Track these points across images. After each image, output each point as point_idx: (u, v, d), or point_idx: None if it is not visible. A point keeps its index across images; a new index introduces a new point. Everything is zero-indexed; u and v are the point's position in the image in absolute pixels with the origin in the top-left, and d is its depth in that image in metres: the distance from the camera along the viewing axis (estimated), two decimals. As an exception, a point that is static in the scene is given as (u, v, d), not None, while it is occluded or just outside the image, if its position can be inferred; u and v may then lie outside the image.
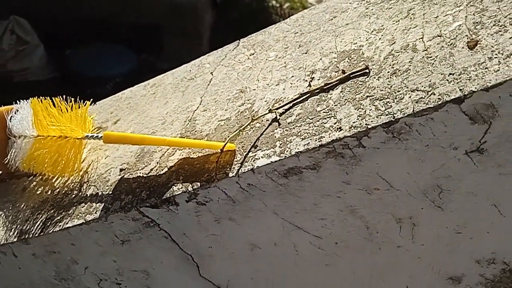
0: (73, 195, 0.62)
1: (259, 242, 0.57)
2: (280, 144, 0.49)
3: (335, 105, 0.49)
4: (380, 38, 0.52)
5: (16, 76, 2.21)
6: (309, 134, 0.48)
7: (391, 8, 0.55)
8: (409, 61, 0.47)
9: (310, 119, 0.50)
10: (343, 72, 0.51)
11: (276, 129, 0.52)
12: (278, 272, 0.60)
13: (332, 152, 0.47)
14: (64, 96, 0.65)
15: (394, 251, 0.54)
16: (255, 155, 0.50)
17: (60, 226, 0.59)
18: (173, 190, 0.54)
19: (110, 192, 0.59)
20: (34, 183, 0.68)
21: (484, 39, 0.43)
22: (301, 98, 0.53)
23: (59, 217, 0.60)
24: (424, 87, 0.44)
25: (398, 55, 0.48)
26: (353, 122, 0.46)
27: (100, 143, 0.67)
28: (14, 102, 0.68)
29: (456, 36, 0.45)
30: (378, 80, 0.48)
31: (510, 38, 0.42)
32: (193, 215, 0.55)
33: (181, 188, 0.53)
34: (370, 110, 0.46)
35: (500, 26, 0.43)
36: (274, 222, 0.54)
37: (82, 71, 2.35)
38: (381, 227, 0.52)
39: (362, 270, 0.57)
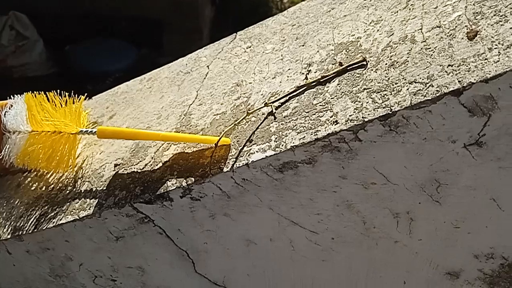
0: (67, 191, 0.61)
1: (255, 238, 0.56)
2: (276, 138, 0.49)
3: (331, 98, 0.48)
4: (378, 30, 0.51)
5: (16, 71, 2.21)
6: (305, 128, 0.47)
7: (389, -1, 0.54)
8: (407, 53, 0.46)
9: (306, 112, 0.49)
10: (340, 64, 0.50)
11: (272, 123, 0.51)
12: (274, 268, 0.59)
13: (328, 146, 0.46)
14: (63, 91, 0.64)
15: (392, 246, 0.53)
16: (250, 149, 0.50)
17: (53, 222, 0.59)
18: (167, 186, 0.53)
19: (104, 188, 0.58)
20: (29, 179, 0.67)
21: (484, 29, 0.42)
22: (297, 91, 0.52)
23: (53, 214, 0.60)
24: (422, 79, 0.42)
25: (396, 46, 0.47)
26: (350, 115, 0.45)
27: (95, 138, 0.66)
28: (9, 97, 0.67)
29: (456, 26, 0.44)
30: (376, 72, 0.47)
31: (510, 28, 0.40)
32: (188, 211, 0.54)
33: (175, 183, 0.52)
34: (367, 103, 0.45)
35: (501, 16, 0.42)
36: (270, 218, 0.53)
37: (82, 67, 2.34)
38: (378, 222, 0.51)
39: (359, 265, 0.57)
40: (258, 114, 0.53)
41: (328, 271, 0.58)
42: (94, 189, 0.59)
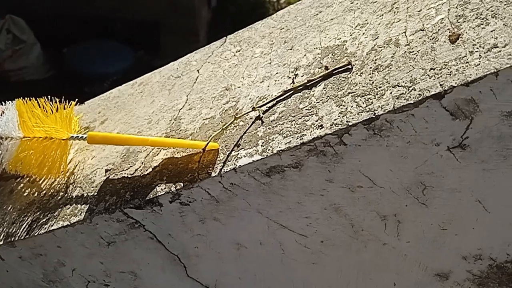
0: (59, 197, 0.62)
1: (245, 242, 0.56)
2: (263, 143, 0.49)
3: (317, 102, 0.48)
4: (363, 33, 0.51)
5: (13, 75, 2.21)
6: (291, 132, 0.47)
7: (375, 2, 0.54)
8: (391, 56, 0.46)
9: (293, 116, 0.49)
10: (326, 68, 0.51)
11: (259, 127, 0.51)
12: (265, 271, 0.59)
13: (314, 150, 0.46)
14: (61, 94, 0.64)
15: (380, 248, 0.54)
16: (238, 154, 0.50)
17: (45, 228, 0.59)
18: (157, 191, 0.53)
19: (95, 194, 0.58)
20: (22, 184, 0.68)
21: (466, 32, 0.42)
22: (284, 96, 0.52)
23: (44, 219, 0.60)
24: (405, 83, 0.43)
25: (381, 50, 0.48)
26: (334, 119, 0.45)
27: (86, 143, 0.66)
28: (0, 103, 0.67)
29: (439, 30, 0.45)
30: (361, 76, 0.47)
31: (491, 31, 0.41)
32: (177, 216, 0.54)
33: (165, 188, 0.53)
34: (351, 107, 0.45)
35: (482, 19, 0.42)
36: (259, 221, 0.53)
37: (79, 69, 2.34)
38: (366, 224, 0.51)
39: (349, 268, 0.57)
40: (246, 119, 0.53)
41: (319, 273, 0.58)
42: (85, 194, 0.59)
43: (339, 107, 0.46)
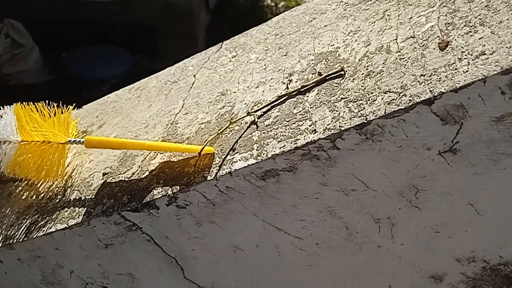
0: (57, 200, 0.63)
1: (241, 244, 0.57)
2: (257, 147, 0.50)
3: (311, 108, 0.49)
4: (356, 40, 0.52)
5: (12, 79, 2.22)
6: (285, 136, 0.48)
7: (368, 9, 0.55)
8: (383, 63, 0.47)
9: (287, 121, 0.50)
10: (320, 74, 0.52)
11: (254, 131, 0.52)
12: (261, 273, 0.60)
13: (308, 154, 0.47)
14: (59, 99, 0.65)
15: (375, 251, 0.54)
16: (233, 158, 0.51)
17: (43, 231, 0.60)
18: (153, 194, 0.54)
19: (93, 197, 0.59)
20: (20, 188, 0.68)
21: (455, 39, 0.43)
22: (278, 101, 0.53)
23: (43, 222, 0.61)
24: (396, 89, 0.44)
25: (373, 56, 0.49)
26: (327, 124, 0.46)
27: (84, 147, 0.67)
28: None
29: (429, 37, 0.46)
30: (353, 82, 0.48)
31: (479, 38, 0.42)
32: (174, 218, 0.55)
33: (161, 192, 0.53)
34: (344, 112, 0.46)
35: (471, 26, 0.43)
36: (255, 224, 0.54)
37: (78, 73, 2.35)
38: (360, 227, 0.52)
39: (344, 270, 0.58)
40: (241, 123, 0.54)
41: (315, 276, 0.59)
42: (83, 197, 0.60)
43: (332, 112, 0.47)
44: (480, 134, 0.42)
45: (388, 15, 0.51)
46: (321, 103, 0.49)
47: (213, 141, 0.54)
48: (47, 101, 0.65)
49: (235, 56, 0.66)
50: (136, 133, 0.65)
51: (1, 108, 0.67)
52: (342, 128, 0.44)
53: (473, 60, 0.41)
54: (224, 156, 0.52)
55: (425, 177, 0.47)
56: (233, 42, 0.69)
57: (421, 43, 0.45)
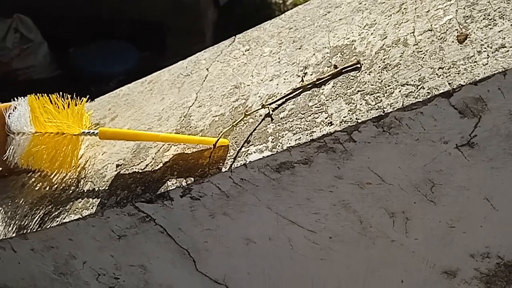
0: (71, 191, 0.63)
1: (254, 237, 0.57)
2: (272, 139, 0.50)
3: (326, 100, 0.49)
4: (372, 33, 0.52)
5: (21, 74, 2.23)
6: (300, 129, 0.48)
7: (383, 2, 0.55)
8: (400, 56, 0.47)
9: (302, 114, 0.50)
10: (335, 67, 0.52)
11: (269, 124, 0.52)
12: (273, 267, 0.60)
13: (323, 146, 0.47)
14: (67, 93, 0.65)
15: (389, 245, 0.54)
16: (248, 150, 0.51)
17: (57, 221, 0.60)
18: (168, 185, 0.54)
19: (107, 188, 0.60)
20: (33, 179, 0.69)
21: (474, 32, 0.43)
22: (293, 94, 0.53)
23: (56, 213, 0.61)
24: (414, 81, 0.44)
25: (389, 49, 0.48)
26: (344, 117, 0.46)
27: (97, 139, 0.68)
28: (13, 99, 0.68)
29: (447, 30, 0.45)
30: (369, 74, 0.48)
31: (499, 31, 0.41)
32: (188, 210, 0.55)
33: (175, 183, 0.54)
34: (360, 104, 0.46)
35: (490, 19, 0.43)
36: (268, 217, 0.54)
37: (85, 69, 2.36)
38: (374, 221, 0.52)
39: (357, 264, 0.58)
40: (255, 116, 0.54)
41: (327, 269, 0.59)
42: (96, 188, 0.61)
43: (348, 104, 0.47)
44: (498, 127, 0.42)
45: (404, 8, 0.51)
46: (337, 95, 0.48)
47: (227, 133, 0.54)
48: (60, 94, 0.66)
49: (248, 50, 0.66)
50: (149, 125, 0.65)
51: (15, 99, 0.68)
52: (359, 121, 0.44)
53: (492, 53, 0.40)
54: (239, 148, 0.52)
55: (441, 171, 0.46)
56: (246, 36, 0.69)
57: (439, 36, 0.45)
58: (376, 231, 0.53)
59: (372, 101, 0.45)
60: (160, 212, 0.56)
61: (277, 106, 0.53)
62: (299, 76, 0.55)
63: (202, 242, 0.59)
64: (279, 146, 0.49)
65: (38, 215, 0.63)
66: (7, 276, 0.72)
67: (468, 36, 0.43)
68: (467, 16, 0.45)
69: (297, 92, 0.53)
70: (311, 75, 0.54)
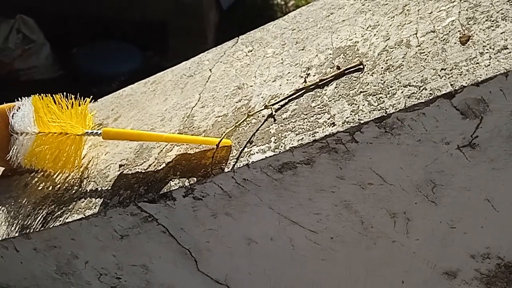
0: (74, 191, 0.63)
1: (256, 237, 0.57)
2: (275, 140, 0.50)
3: (329, 101, 0.49)
4: (375, 34, 0.52)
5: (23, 74, 2.23)
6: (303, 129, 0.49)
7: (386, 4, 0.55)
8: (403, 57, 0.47)
9: (305, 114, 0.50)
10: (338, 68, 0.52)
11: (272, 124, 0.52)
12: (275, 267, 0.60)
13: (326, 147, 0.47)
14: (69, 94, 0.66)
15: (389, 246, 0.54)
16: (251, 150, 0.51)
17: (60, 221, 0.60)
18: (170, 185, 0.54)
19: (109, 188, 0.60)
20: (36, 179, 0.69)
21: (476, 34, 0.43)
22: (296, 94, 0.53)
23: (59, 212, 0.61)
24: (416, 83, 0.44)
25: (392, 51, 0.49)
26: (346, 118, 0.46)
27: (100, 140, 0.68)
28: (16, 100, 0.69)
29: (449, 31, 0.46)
30: (372, 75, 0.48)
31: (501, 33, 0.42)
32: (190, 210, 0.55)
33: (178, 183, 0.54)
34: (363, 105, 0.46)
35: (492, 21, 0.43)
36: (270, 217, 0.54)
37: (88, 69, 2.36)
38: (375, 222, 0.52)
39: (358, 264, 0.58)
40: (258, 116, 0.54)
41: (328, 270, 0.59)
42: (99, 188, 0.61)
43: (351, 105, 0.47)
44: (500, 128, 0.42)
45: (407, 10, 0.51)
46: (340, 96, 0.49)
47: (230, 133, 0.55)
48: (63, 94, 0.66)
49: (251, 51, 0.66)
50: (152, 126, 0.65)
51: (19, 100, 0.68)
52: (362, 121, 0.45)
53: (495, 54, 0.41)
54: (241, 148, 0.52)
55: (442, 171, 0.47)
56: (249, 37, 0.69)
57: (442, 37, 0.45)
58: (377, 231, 0.54)
59: (375, 102, 0.45)
60: (163, 212, 0.56)
61: (279, 106, 0.53)
62: (302, 77, 0.55)
63: (204, 242, 0.59)
64: (281, 146, 0.49)
65: (41, 214, 0.63)
66: (9, 276, 0.73)
67: (471, 38, 0.43)
68: (469, 18, 0.45)
69: (300, 93, 0.53)
70: (314, 76, 0.54)
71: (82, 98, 0.66)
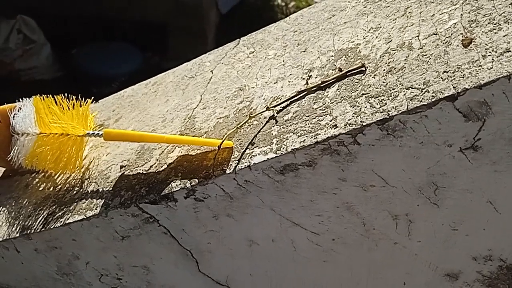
0: (75, 192, 0.63)
1: (257, 238, 0.57)
2: (277, 141, 0.50)
3: (331, 103, 0.49)
4: (377, 37, 0.52)
5: (23, 75, 2.24)
6: (305, 131, 0.49)
7: (388, 6, 0.55)
8: (405, 59, 0.47)
9: (307, 116, 0.50)
10: (340, 70, 0.52)
11: (273, 126, 0.52)
12: (276, 268, 0.60)
13: (328, 149, 0.47)
14: (70, 94, 0.66)
15: (391, 247, 0.54)
16: (252, 152, 0.51)
17: (61, 221, 0.60)
18: (172, 187, 0.54)
19: (111, 189, 0.60)
20: (37, 179, 0.69)
21: (479, 37, 0.43)
22: (298, 96, 0.53)
23: (60, 213, 0.61)
24: (419, 85, 0.44)
25: (394, 53, 0.49)
26: (348, 120, 0.46)
27: (101, 141, 0.68)
28: (17, 100, 0.69)
29: (451, 34, 0.46)
30: (374, 78, 0.48)
31: (504, 36, 0.42)
32: (192, 211, 0.55)
33: (180, 184, 0.54)
34: (365, 107, 0.46)
35: (495, 24, 0.43)
36: (272, 219, 0.54)
37: (88, 70, 2.36)
38: (377, 223, 0.52)
39: (359, 266, 0.58)
40: (260, 118, 0.54)
41: (330, 271, 0.59)
42: (100, 189, 0.61)
43: (353, 107, 0.47)
44: (502, 131, 0.42)
45: (409, 12, 0.51)
46: (342, 98, 0.49)
47: (232, 135, 0.55)
48: (64, 95, 0.66)
49: (252, 52, 0.66)
50: (153, 127, 0.65)
51: (20, 100, 0.68)
52: (364, 123, 0.45)
53: (497, 57, 0.41)
54: (243, 150, 0.52)
55: (445, 174, 0.47)
56: (251, 38, 0.69)
57: (444, 40, 0.46)
58: (379, 233, 0.54)
59: (377, 104, 0.45)
60: (164, 213, 0.56)
61: (281, 108, 0.53)
62: (303, 78, 0.55)
63: (205, 243, 0.59)
64: (283, 148, 0.49)
65: (42, 215, 0.63)
66: (10, 276, 0.73)
67: (473, 40, 0.43)
68: (472, 20, 0.45)
69: (301, 95, 0.53)
70: (315, 78, 0.54)
71: (82, 98, 0.66)
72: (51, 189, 0.66)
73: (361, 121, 0.45)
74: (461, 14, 0.47)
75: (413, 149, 0.45)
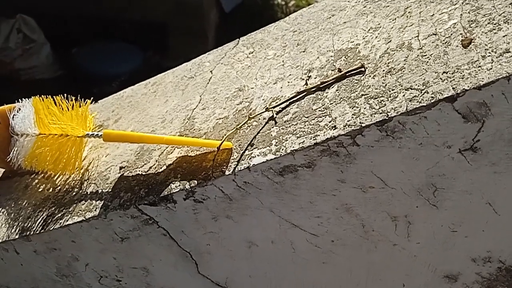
0: (74, 193, 0.63)
1: (256, 240, 0.57)
2: (276, 143, 0.50)
3: (330, 104, 0.49)
4: (376, 37, 0.52)
5: (23, 74, 2.23)
6: (304, 132, 0.48)
7: (388, 6, 0.55)
8: (404, 60, 0.47)
9: (306, 117, 0.50)
10: (339, 70, 0.52)
11: (273, 127, 0.52)
12: (275, 270, 0.60)
13: (327, 150, 0.47)
14: (70, 94, 0.66)
15: (390, 249, 0.54)
16: (252, 153, 0.51)
17: (60, 223, 0.60)
18: (171, 188, 0.54)
19: (110, 190, 0.60)
20: (36, 180, 0.69)
21: (478, 37, 0.43)
22: (297, 97, 0.53)
23: (59, 215, 0.61)
24: (418, 86, 0.44)
25: (394, 53, 0.49)
26: (348, 121, 0.46)
27: (101, 141, 0.68)
28: (17, 101, 0.69)
29: (451, 34, 0.45)
30: (373, 78, 0.48)
31: (503, 36, 0.42)
32: (191, 213, 0.55)
33: (179, 186, 0.54)
34: (364, 108, 0.46)
35: (494, 24, 0.43)
36: (271, 220, 0.54)
37: (88, 69, 2.36)
38: (376, 225, 0.52)
39: (359, 268, 0.58)
40: (259, 119, 0.54)
41: (329, 273, 0.59)
42: (100, 191, 0.61)
43: (352, 108, 0.47)
44: (502, 132, 0.42)
45: (409, 12, 0.51)
46: (341, 99, 0.49)
47: (231, 136, 0.54)
48: (63, 95, 0.66)
49: (252, 52, 0.66)
50: (153, 127, 0.65)
51: (19, 101, 0.68)
52: (363, 125, 0.44)
53: (497, 57, 0.40)
54: (242, 151, 0.52)
55: (444, 175, 0.46)
56: (250, 38, 0.69)
57: (444, 40, 0.45)
58: (378, 235, 0.53)
59: (376, 105, 0.45)
60: (163, 214, 0.56)
61: (281, 109, 0.53)
62: (303, 79, 0.55)
63: (205, 245, 0.59)
64: (282, 149, 0.49)
65: (41, 217, 0.63)
66: (9, 278, 0.73)
67: (473, 41, 0.43)
68: (471, 21, 0.45)
69: (301, 96, 0.53)
70: (315, 78, 0.54)
71: (82, 98, 0.66)
72: (51, 190, 0.66)
73: (360, 122, 0.45)
74: (461, 14, 0.46)
75: (412, 151, 0.45)
